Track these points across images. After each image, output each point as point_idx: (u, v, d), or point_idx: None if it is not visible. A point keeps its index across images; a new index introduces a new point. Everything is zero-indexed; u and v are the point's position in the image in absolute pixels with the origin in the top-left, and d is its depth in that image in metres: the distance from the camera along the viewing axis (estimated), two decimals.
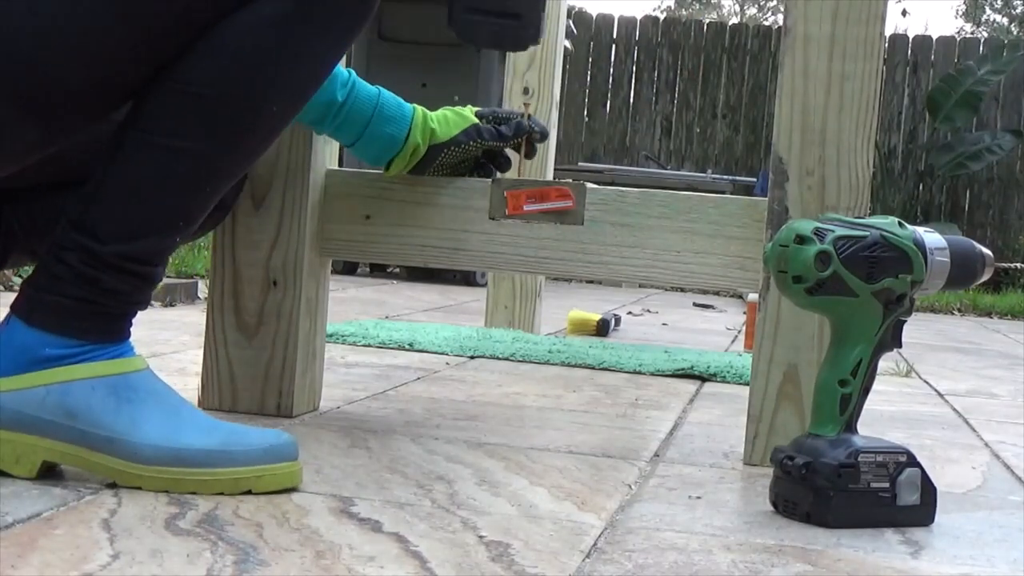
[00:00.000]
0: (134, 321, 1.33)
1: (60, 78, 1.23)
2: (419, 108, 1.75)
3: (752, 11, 29.36)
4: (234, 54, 1.26)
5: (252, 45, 1.27)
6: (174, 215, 1.30)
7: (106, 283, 1.26)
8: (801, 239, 1.34)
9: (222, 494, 1.25)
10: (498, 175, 1.80)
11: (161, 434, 1.25)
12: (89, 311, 1.27)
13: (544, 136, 1.81)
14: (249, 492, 1.26)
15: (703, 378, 2.62)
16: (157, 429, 1.26)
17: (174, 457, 1.25)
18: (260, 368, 1.77)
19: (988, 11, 25.08)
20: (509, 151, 1.82)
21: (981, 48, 8.78)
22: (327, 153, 1.82)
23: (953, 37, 8.93)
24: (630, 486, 1.48)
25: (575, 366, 2.67)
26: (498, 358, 2.70)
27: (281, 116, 1.34)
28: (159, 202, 1.28)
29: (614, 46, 9.01)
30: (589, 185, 1.76)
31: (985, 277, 1.45)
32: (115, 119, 1.32)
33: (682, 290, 6.41)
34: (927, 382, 2.95)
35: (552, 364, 2.68)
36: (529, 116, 1.81)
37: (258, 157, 1.38)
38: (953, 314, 6.47)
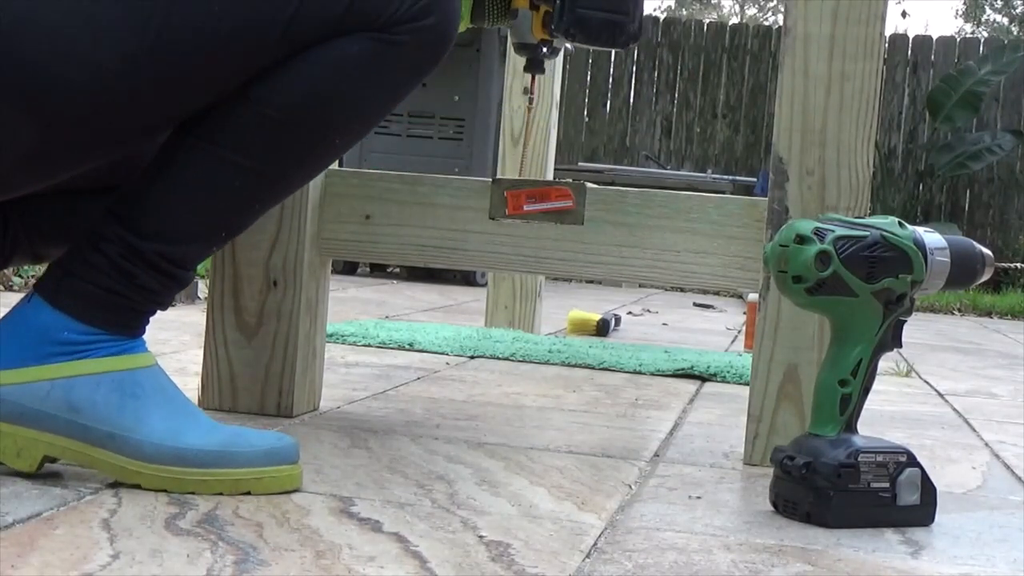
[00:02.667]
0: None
1: (129, 114, 1.24)
2: None
3: (752, 11, 29.34)
4: (313, 88, 1.28)
5: (332, 82, 1.29)
6: (219, 225, 1.32)
7: (140, 279, 1.27)
8: (801, 239, 1.34)
9: (221, 494, 1.25)
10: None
11: (164, 432, 1.25)
12: (116, 303, 1.27)
13: None
14: (248, 493, 1.26)
15: (703, 378, 2.62)
16: (160, 427, 1.26)
17: (175, 456, 1.25)
18: (260, 368, 1.77)
19: (988, 11, 25.05)
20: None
21: (981, 48, 8.77)
22: None
23: (953, 37, 8.92)
24: (630, 486, 1.48)
25: (575, 366, 2.67)
26: (498, 358, 2.70)
27: (342, 147, 1.37)
28: (208, 211, 1.30)
29: None
30: (589, 185, 1.76)
31: (985, 277, 1.45)
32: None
33: (682, 290, 6.41)
34: (927, 382, 2.95)
35: (552, 364, 2.68)
36: None
37: (308, 182, 1.40)
38: (953, 314, 6.47)
